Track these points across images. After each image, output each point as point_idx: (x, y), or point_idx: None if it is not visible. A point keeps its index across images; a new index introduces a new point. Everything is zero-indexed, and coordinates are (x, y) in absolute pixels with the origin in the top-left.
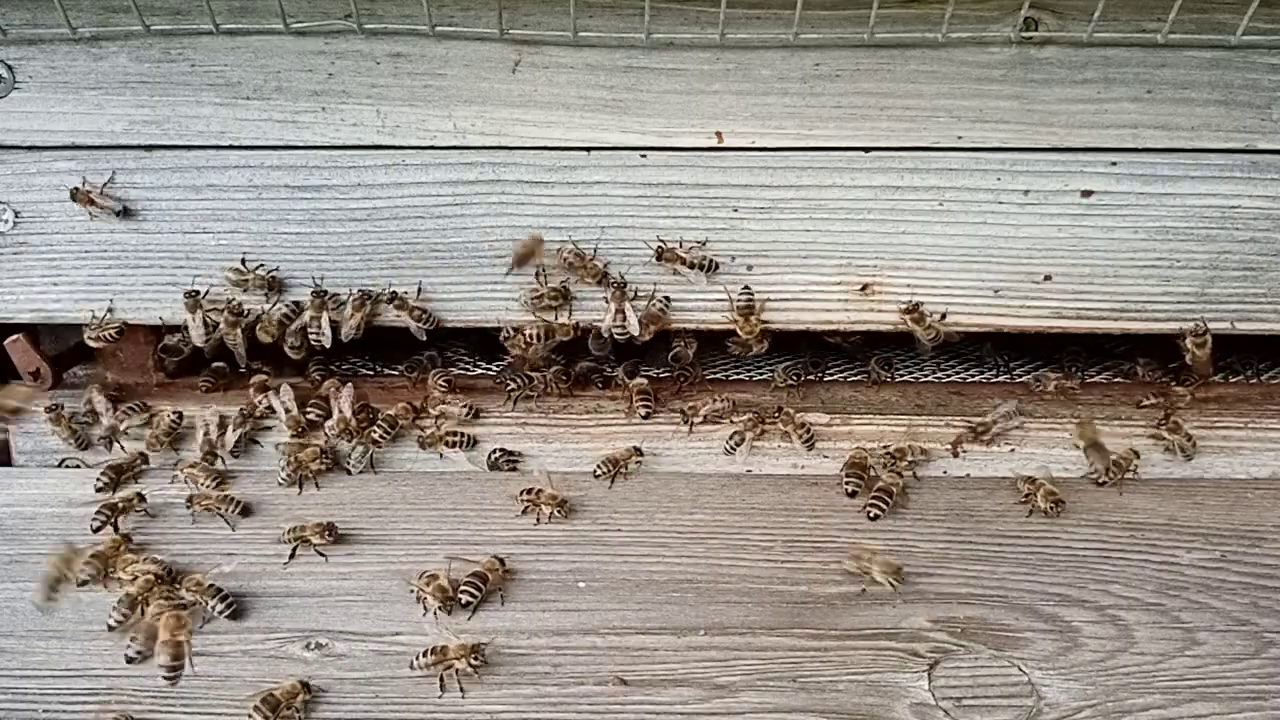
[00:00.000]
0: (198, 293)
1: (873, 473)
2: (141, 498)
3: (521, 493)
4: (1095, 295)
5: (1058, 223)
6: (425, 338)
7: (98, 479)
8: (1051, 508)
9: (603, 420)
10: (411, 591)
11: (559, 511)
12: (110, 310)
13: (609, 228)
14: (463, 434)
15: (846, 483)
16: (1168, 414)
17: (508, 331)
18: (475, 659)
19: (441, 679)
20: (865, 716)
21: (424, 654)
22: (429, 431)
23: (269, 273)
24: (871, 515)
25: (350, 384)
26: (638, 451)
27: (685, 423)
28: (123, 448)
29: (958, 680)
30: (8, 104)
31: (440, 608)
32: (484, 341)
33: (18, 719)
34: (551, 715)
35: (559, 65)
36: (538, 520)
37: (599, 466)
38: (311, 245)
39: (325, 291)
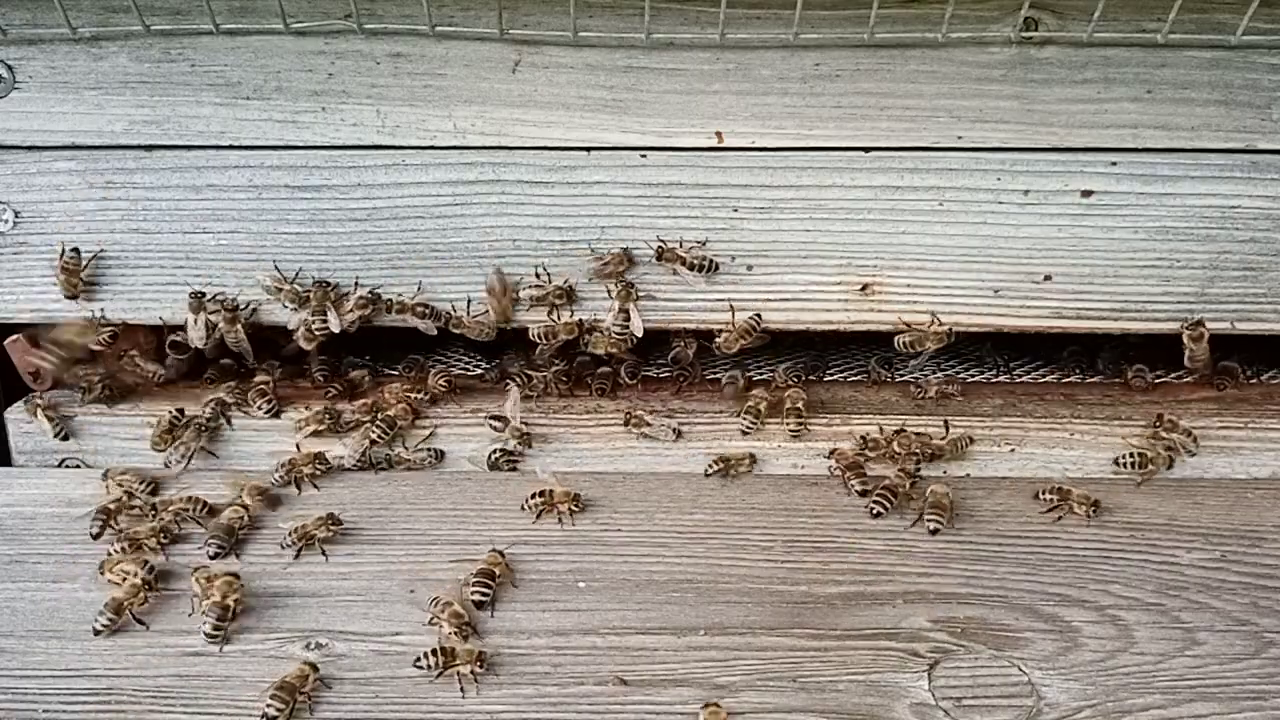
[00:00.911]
0: (203, 294)
1: (871, 469)
2: (131, 495)
3: (532, 496)
4: (1095, 295)
5: (1058, 223)
6: (436, 332)
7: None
8: (1091, 512)
9: (602, 420)
10: (431, 623)
11: (575, 507)
12: (103, 313)
13: (609, 228)
14: (429, 451)
15: (853, 481)
16: (1161, 414)
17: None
18: (480, 666)
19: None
20: (865, 716)
21: (430, 654)
22: (396, 453)
23: (315, 286)
24: (874, 513)
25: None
26: (753, 458)
27: (625, 423)
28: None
29: (958, 680)
30: (8, 104)
31: (457, 633)
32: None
33: (18, 719)
34: (551, 715)
35: (559, 65)
36: (539, 517)
37: (711, 464)
38: (311, 245)
39: (329, 283)
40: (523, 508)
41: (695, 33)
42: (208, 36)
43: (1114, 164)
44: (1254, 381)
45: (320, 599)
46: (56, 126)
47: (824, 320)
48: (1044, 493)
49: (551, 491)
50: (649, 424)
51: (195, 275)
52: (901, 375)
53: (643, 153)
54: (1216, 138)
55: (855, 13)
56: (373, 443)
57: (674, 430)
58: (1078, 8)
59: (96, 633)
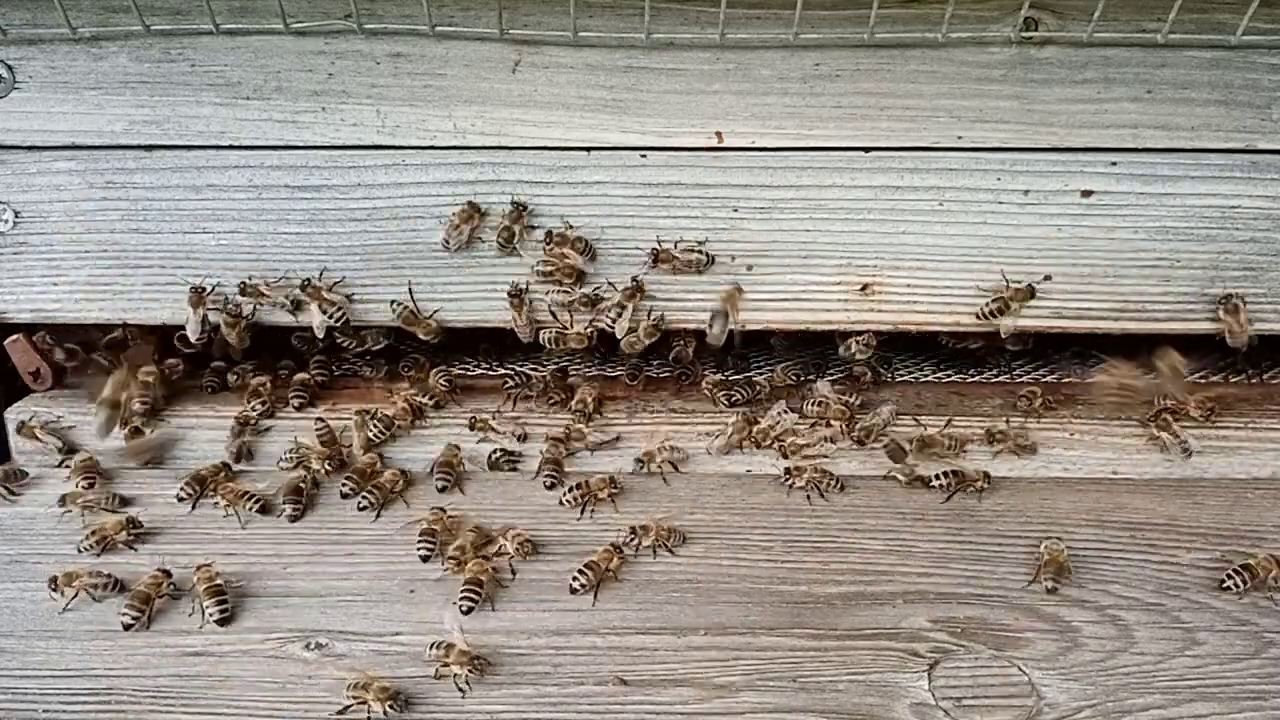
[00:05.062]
0: (203, 289)
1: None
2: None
3: (570, 490)
4: (1095, 295)
5: (1058, 223)
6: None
7: (181, 490)
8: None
9: (602, 420)
10: (434, 673)
11: (614, 488)
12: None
13: (609, 228)
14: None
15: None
16: (1158, 412)
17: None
18: (474, 669)
19: (438, 673)
20: (865, 716)
21: (433, 646)
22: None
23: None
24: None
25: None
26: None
27: (471, 427)
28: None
29: (958, 680)
30: (8, 104)
31: (471, 673)
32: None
33: (18, 719)
34: (551, 715)
35: (559, 65)
36: (582, 511)
37: (578, 575)
38: (311, 245)
39: (310, 280)
40: (561, 503)
41: (695, 33)
42: (208, 36)
43: (1114, 164)
44: (1254, 381)
45: (320, 599)
46: (56, 126)
47: (824, 320)
48: (1231, 573)
49: (588, 481)
50: (494, 428)
51: (195, 275)
52: (902, 377)
53: (643, 153)
54: (1216, 138)
55: (855, 13)
56: (371, 440)
57: (518, 434)
58: (1078, 8)
59: (126, 627)
